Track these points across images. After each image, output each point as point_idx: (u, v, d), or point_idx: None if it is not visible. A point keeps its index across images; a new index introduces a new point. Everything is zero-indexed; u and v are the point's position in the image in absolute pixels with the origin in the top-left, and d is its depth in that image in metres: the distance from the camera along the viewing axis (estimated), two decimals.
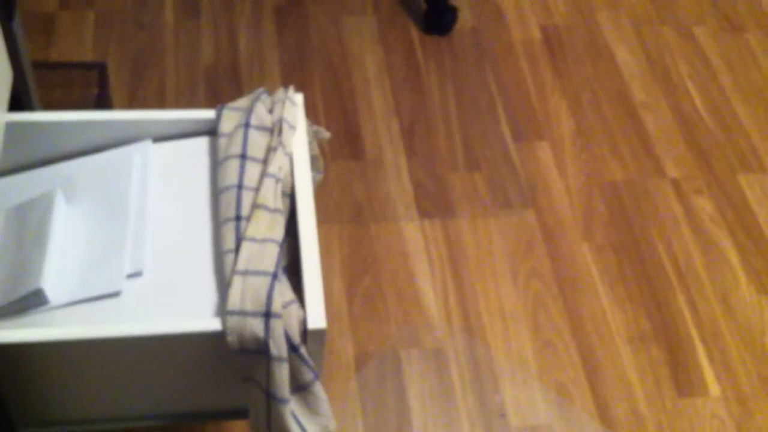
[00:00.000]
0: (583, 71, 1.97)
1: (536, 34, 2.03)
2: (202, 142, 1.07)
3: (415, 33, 1.99)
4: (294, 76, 1.87)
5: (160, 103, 1.78)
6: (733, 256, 1.68)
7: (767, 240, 1.72)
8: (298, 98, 1.07)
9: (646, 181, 1.78)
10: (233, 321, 0.85)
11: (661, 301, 1.60)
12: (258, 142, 0.99)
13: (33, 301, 0.89)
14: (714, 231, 1.72)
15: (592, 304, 1.58)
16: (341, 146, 1.76)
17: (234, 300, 0.86)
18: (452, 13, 1.97)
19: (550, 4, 2.09)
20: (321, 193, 1.67)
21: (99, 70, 1.40)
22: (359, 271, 1.58)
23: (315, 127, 1.08)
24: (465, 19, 2.02)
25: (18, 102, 1.07)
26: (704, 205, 1.76)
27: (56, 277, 0.91)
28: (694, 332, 1.56)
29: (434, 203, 1.69)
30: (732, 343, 1.56)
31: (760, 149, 1.87)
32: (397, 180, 1.72)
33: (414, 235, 1.64)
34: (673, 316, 1.58)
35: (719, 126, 1.90)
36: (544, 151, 1.80)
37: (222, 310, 0.89)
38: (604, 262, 1.64)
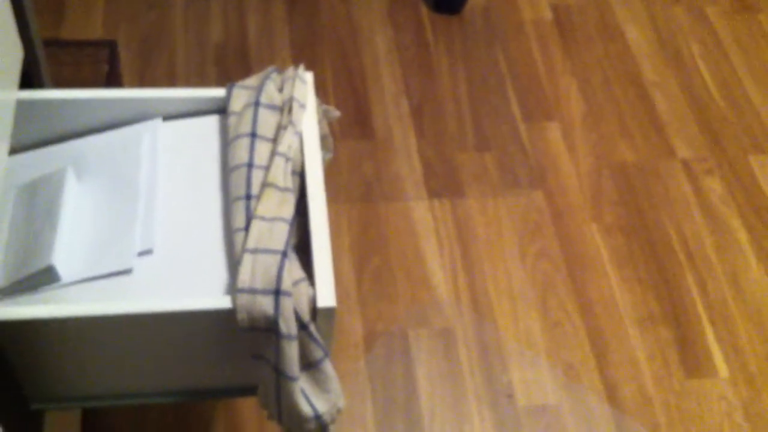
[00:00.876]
0: (593, 51, 1.95)
1: (547, 14, 2.01)
2: (212, 121, 1.07)
3: (425, 12, 1.98)
4: (304, 55, 1.87)
5: (170, 82, 1.78)
6: (743, 238, 1.67)
7: None
8: (308, 77, 1.06)
9: (656, 161, 1.78)
10: (243, 299, 0.85)
11: (670, 282, 1.60)
12: (268, 121, 0.99)
13: (44, 278, 0.89)
14: (724, 212, 1.71)
15: (600, 285, 1.58)
16: (351, 126, 1.76)
17: (244, 278, 0.86)
18: None
19: None
20: (330, 172, 1.67)
21: (109, 47, 1.40)
22: (368, 251, 1.58)
23: (324, 107, 1.08)
24: None
25: (29, 79, 1.07)
26: (714, 186, 1.75)
27: (67, 254, 0.91)
28: (702, 313, 1.56)
29: (443, 183, 1.69)
30: (741, 324, 1.56)
31: None
32: (406, 160, 1.71)
33: (423, 214, 1.64)
34: (681, 298, 1.58)
35: (730, 107, 1.89)
36: (553, 132, 1.80)
37: (232, 288, 0.89)
38: (613, 243, 1.64)
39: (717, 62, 1.97)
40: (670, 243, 1.65)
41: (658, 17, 2.05)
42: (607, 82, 1.90)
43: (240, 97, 1.03)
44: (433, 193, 1.67)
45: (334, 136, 1.73)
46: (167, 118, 1.07)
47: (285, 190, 0.93)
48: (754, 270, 1.63)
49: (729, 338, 1.54)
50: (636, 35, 2.00)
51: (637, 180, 1.74)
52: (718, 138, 1.83)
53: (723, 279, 1.61)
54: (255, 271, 0.86)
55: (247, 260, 0.87)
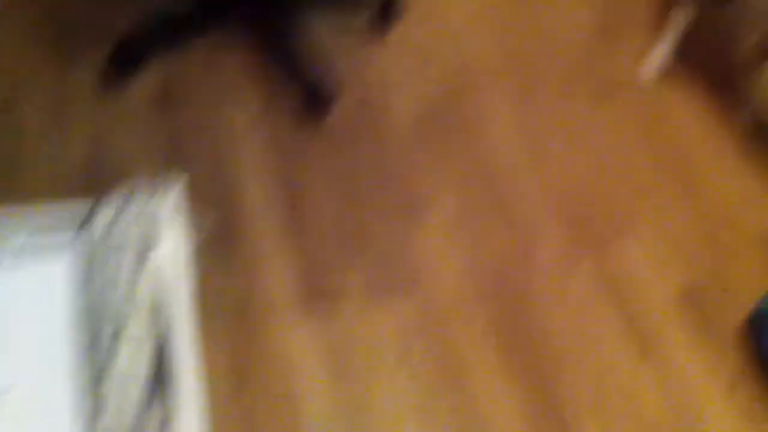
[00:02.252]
0: (463, 145, 1.97)
1: (417, 110, 2.02)
2: (61, 264, 1.01)
3: (297, 113, 1.96)
4: (172, 159, 1.82)
5: (21, 198, 1.69)
6: (617, 325, 1.69)
7: (649, 304, 1.74)
8: (174, 188, 1.02)
9: (529, 251, 1.79)
10: None
11: (548, 378, 1.60)
12: (123, 260, 0.95)
13: None
14: (597, 299, 1.73)
15: (482, 384, 1.57)
16: (220, 238, 1.71)
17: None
18: (332, 95, 1.97)
19: (429, 80, 2.11)
20: (201, 289, 1.62)
21: None
22: (242, 373, 1.52)
23: (192, 217, 1.04)
24: (345, 99, 2.01)
25: None
26: (588, 272, 1.77)
27: None
28: (582, 407, 1.56)
29: (319, 291, 1.65)
30: (618, 416, 1.56)
31: (634, 214, 1.90)
32: (280, 269, 1.68)
33: (299, 326, 1.60)
34: (560, 393, 1.58)
35: (597, 193, 1.93)
36: (428, 230, 1.79)
37: None
38: (491, 342, 1.64)
39: (578, 154, 2.01)
40: (548, 336, 1.66)
41: (521, 108, 2.09)
42: (477, 176, 1.92)
43: (98, 220, 0.98)
44: (309, 303, 1.63)
45: (200, 250, 1.68)
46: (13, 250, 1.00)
47: (140, 338, 0.89)
48: (631, 359, 1.65)
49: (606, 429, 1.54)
50: (501, 128, 2.03)
51: (512, 274, 1.75)
52: (587, 225, 1.86)
53: (597, 371, 1.62)
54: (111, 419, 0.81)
55: (101, 407, 0.82)
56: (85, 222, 1.00)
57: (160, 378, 0.91)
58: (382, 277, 1.70)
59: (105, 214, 1.01)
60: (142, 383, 0.85)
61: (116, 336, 0.88)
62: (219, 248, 1.69)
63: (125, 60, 1.93)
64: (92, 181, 1.76)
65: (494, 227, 1.83)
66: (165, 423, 0.84)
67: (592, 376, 1.62)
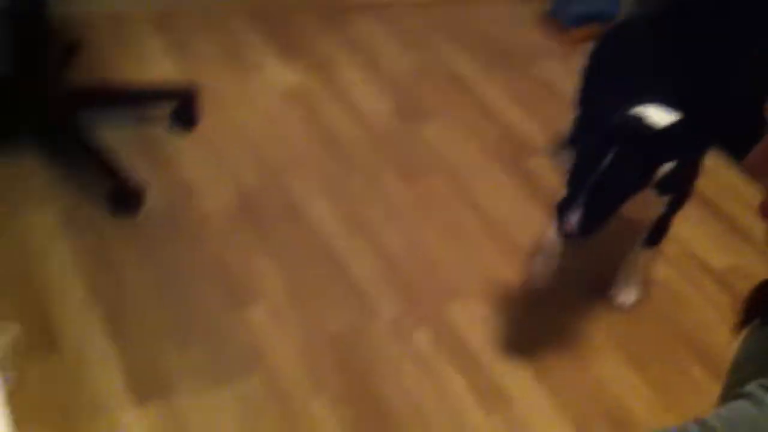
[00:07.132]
0: (283, 229, 1.96)
1: (231, 200, 2.00)
2: None
3: (105, 215, 1.88)
4: None
5: None
6: (459, 382, 1.70)
7: (483, 361, 1.76)
8: None
9: (364, 325, 1.78)
10: None
11: None
12: None
13: None
14: (437, 360, 1.73)
15: None
16: (39, 344, 1.58)
17: None
18: (140, 190, 1.91)
19: (240, 170, 2.09)
20: (18, 399, 1.48)
21: None
22: None
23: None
24: (155, 194, 1.95)
25: None
26: (422, 338, 1.78)
27: None
28: None
29: (151, 387, 1.56)
30: None
31: (461, 277, 1.95)
32: (104, 370, 1.57)
33: (133, 425, 1.48)
34: None
35: (421, 261, 1.96)
36: (259, 314, 1.75)
37: None
38: (339, 414, 1.59)
39: (397, 226, 2.04)
40: (394, 402, 1.63)
41: (337, 191, 2.11)
42: (302, 256, 1.90)
43: None
44: (141, 400, 1.53)
45: (18, 356, 1.55)
46: None
47: None
48: (472, 411, 1.64)
49: None
50: (320, 209, 2.03)
51: (350, 346, 1.73)
52: (416, 292, 1.88)
53: (450, 427, 1.61)
54: None
55: None
56: None
57: None
58: (216, 363, 1.63)
59: None
60: None
61: None
62: (37, 357, 1.55)
63: None
64: None
65: (328, 304, 1.81)
66: None
67: (443, 429, 1.60)
